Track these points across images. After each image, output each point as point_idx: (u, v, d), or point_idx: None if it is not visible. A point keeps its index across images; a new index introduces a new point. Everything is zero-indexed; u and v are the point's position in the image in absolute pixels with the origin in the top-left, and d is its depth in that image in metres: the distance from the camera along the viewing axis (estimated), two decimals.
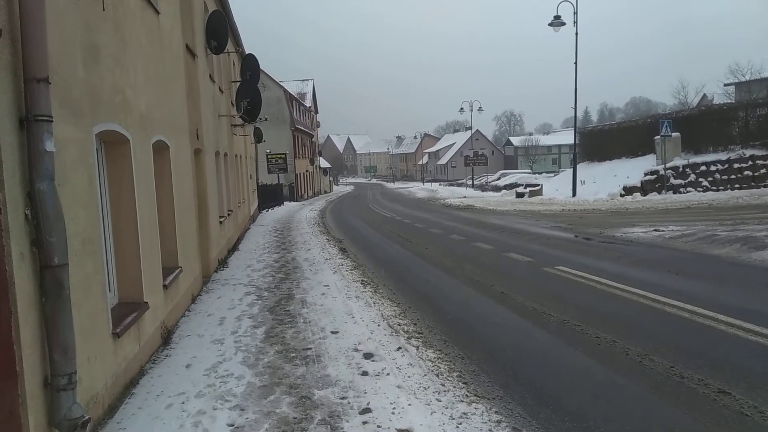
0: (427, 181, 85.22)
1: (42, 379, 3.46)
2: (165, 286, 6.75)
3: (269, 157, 38.71)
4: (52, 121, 3.49)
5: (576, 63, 27.52)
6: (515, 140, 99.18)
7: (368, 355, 5.87)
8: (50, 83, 3.47)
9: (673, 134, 24.83)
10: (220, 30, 12.47)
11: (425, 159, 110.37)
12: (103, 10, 4.87)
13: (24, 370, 3.22)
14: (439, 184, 71.64)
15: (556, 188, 32.58)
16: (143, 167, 6.07)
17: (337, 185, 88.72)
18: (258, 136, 26.27)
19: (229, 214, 14.41)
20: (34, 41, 3.37)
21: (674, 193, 24.33)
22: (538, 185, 35.51)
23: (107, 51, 4.97)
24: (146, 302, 5.76)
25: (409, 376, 5.26)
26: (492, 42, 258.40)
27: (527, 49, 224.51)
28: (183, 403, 4.82)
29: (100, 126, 4.75)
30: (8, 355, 3.13)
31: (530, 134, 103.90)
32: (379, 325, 7.00)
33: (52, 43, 3.59)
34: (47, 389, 3.49)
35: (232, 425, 4.36)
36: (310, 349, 6.18)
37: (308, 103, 60.79)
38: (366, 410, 4.55)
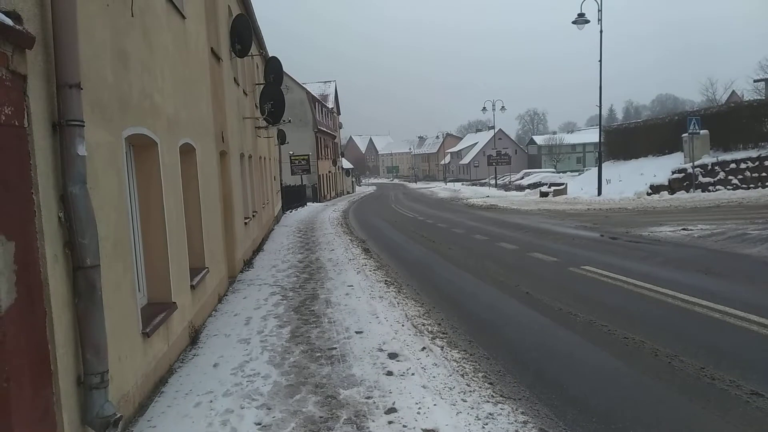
0: (449, 181, 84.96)
1: (75, 378, 3.54)
2: (192, 287, 6.86)
3: (292, 158, 39.00)
4: (84, 126, 3.57)
5: (600, 61, 27.18)
6: (539, 139, 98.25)
7: (393, 355, 5.88)
8: (82, 89, 3.55)
9: (702, 131, 24.37)
10: (244, 33, 12.60)
11: (447, 159, 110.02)
12: (132, 16, 4.97)
13: (58, 369, 3.30)
14: (462, 184, 71.34)
15: (580, 187, 32.18)
16: (171, 170, 6.17)
17: (360, 186, 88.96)
18: (281, 138, 26.46)
19: (253, 215, 14.55)
20: (66, 48, 3.45)
21: (703, 191, 23.87)
22: (563, 184, 35.13)
23: (136, 56, 5.06)
24: (174, 302, 5.85)
25: (434, 376, 5.25)
26: (515, 37, 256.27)
27: (550, 44, 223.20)
28: (211, 401, 4.89)
29: (129, 130, 4.85)
30: (43, 354, 3.21)
31: (554, 133, 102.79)
32: (403, 325, 7.00)
33: (83, 50, 3.67)
34: (80, 388, 3.57)
35: (260, 424, 4.41)
36: (335, 348, 6.22)
37: (330, 104, 61.07)
38: (391, 410, 4.56)
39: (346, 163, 74.13)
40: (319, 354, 6.06)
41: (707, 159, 24.58)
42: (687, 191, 24.19)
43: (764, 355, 5.36)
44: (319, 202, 44.56)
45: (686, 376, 4.98)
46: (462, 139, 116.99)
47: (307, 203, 38.72)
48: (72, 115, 3.48)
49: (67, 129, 3.46)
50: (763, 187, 23.03)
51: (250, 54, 13.74)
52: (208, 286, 7.99)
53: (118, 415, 3.69)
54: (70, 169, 3.47)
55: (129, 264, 4.70)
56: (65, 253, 3.49)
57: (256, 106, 16.70)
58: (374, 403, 4.72)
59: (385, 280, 10.07)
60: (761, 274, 8.83)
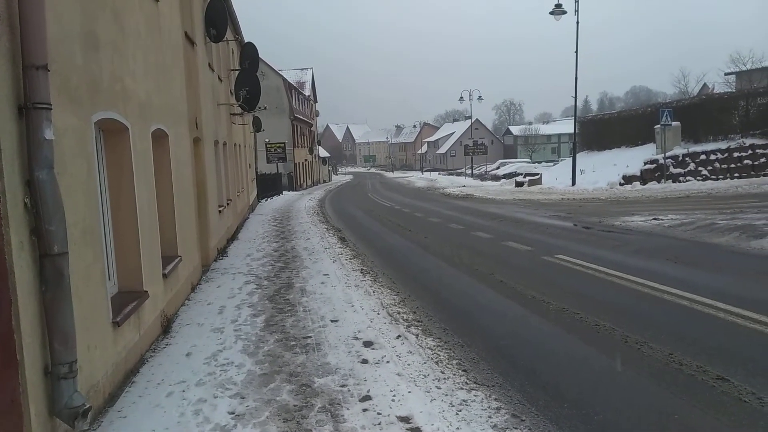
0: (426, 171, 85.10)
1: (42, 367, 3.46)
2: (165, 275, 6.76)
3: (268, 146, 38.61)
4: (51, 109, 3.47)
5: (576, 52, 27.43)
6: (515, 129, 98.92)
7: (368, 343, 5.89)
8: (49, 71, 3.45)
9: (673, 123, 24.80)
10: (219, 18, 12.39)
11: (424, 148, 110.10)
12: None
13: (24, 359, 3.22)
14: (439, 174, 71.57)
15: (555, 177, 32.56)
16: (142, 156, 6.06)
17: (336, 174, 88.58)
18: (257, 125, 26.18)
19: (228, 204, 14.39)
20: (32, 28, 3.34)
21: (674, 182, 24.33)
22: (538, 174, 35.52)
23: (106, 39, 4.93)
24: (146, 291, 5.76)
25: (408, 364, 5.28)
26: (493, 41, 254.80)
27: (529, 49, 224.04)
28: (183, 391, 4.84)
29: (99, 114, 4.73)
30: (9, 343, 3.13)
31: (530, 123, 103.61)
32: (378, 314, 7.02)
33: (51, 30, 3.56)
34: (48, 378, 3.50)
35: (233, 413, 4.38)
36: (310, 337, 6.20)
37: (307, 92, 60.52)
38: (366, 398, 4.57)
39: (322, 152, 73.70)
40: (293, 343, 6.04)
41: (678, 150, 25.04)
42: (658, 182, 24.62)
43: (730, 341, 5.50)
44: (295, 190, 44.26)
45: (655, 362, 5.09)
46: (439, 128, 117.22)
47: (283, 192, 38.42)
48: (39, 98, 3.38)
49: (34, 112, 3.37)
50: (732, 178, 23.58)
51: (225, 39, 13.52)
52: (181, 275, 7.89)
53: (88, 406, 3.63)
54: (37, 154, 3.38)
55: (99, 252, 4.60)
56: (31, 239, 3.40)
57: (231, 92, 16.47)
58: (349, 391, 4.72)
59: (361, 269, 10.07)
60: (728, 263, 9.05)
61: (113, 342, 4.78)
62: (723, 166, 24.06)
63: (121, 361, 4.96)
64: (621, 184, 25.54)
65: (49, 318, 3.50)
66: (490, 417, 4.18)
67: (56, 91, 3.68)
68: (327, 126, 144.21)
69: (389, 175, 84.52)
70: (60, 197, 3.52)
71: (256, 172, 30.08)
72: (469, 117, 64.14)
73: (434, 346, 5.83)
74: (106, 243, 5.16)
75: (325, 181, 67.16)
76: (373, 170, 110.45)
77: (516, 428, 4.01)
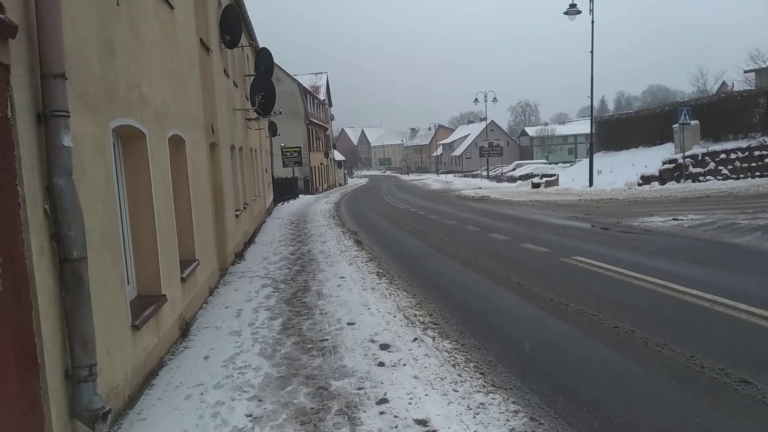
0: (441, 173, 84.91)
1: (63, 371, 3.51)
2: (183, 279, 6.82)
3: (284, 150, 38.85)
4: (69, 117, 3.52)
5: (592, 52, 27.17)
6: (530, 130, 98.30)
7: (384, 346, 5.88)
8: (67, 79, 3.50)
9: (692, 122, 24.42)
10: (234, 24, 12.49)
11: (439, 150, 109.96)
12: (117, 5, 4.90)
13: (45, 363, 3.27)
14: (454, 176, 71.34)
15: (572, 178, 32.28)
16: (160, 162, 6.12)
17: (352, 178, 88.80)
18: (272, 130, 26.35)
19: (245, 208, 14.49)
20: (50, 37, 3.39)
21: (693, 181, 23.96)
22: (554, 175, 35.24)
23: (122, 46, 5.00)
24: (164, 295, 5.82)
25: (425, 367, 5.26)
26: (507, 41, 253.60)
27: (543, 50, 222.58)
28: (202, 394, 4.87)
29: (117, 121, 4.79)
30: (30, 347, 3.18)
31: (546, 124, 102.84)
32: (395, 317, 7.00)
33: (68, 39, 3.62)
34: (68, 381, 3.55)
35: (251, 416, 4.40)
36: (327, 340, 6.21)
37: (322, 96, 60.79)
38: (383, 401, 4.56)
39: (338, 155, 73.90)
40: (310, 345, 6.05)
41: (697, 149, 24.67)
42: (677, 181, 24.28)
43: (753, 343, 5.40)
44: (311, 194, 44.43)
45: (676, 365, 5.01)
46: (454, 130, 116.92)
47: (299, 195, 38.58)
48: (57, 106, 3.43)
49: (52, 120, 3.42)
50: (753, 177, 23.14)
51: (240, 45, 13.63)
52: (199, 279, 7.95)
53: (107, 408, 3.67)
54: (56, 161, 3.43)
55: (117, 256, 4.66)
56: (51, 245, 3.45)
57: (246, 97, 16.59)
58: (366, 393, 4.72)
59: (377, 272, 10.06)
60: (750, 264, 8.89)
61: (132, 345, 4.83)
62: (744, 165, 23.62)
63: (141, 364, 5.01)
64: (639, 185, 25.22)
65: (69, 322, 3.54)
66: (507, 420, 4.14)
67: (74, 99, 3.73)
68: (342, 130, 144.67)
69: (404, 177, 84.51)
70: (79, 203, 3.57)
71: (273, 177, 30.25)
72: (484, 118, 64.01)
73: (451, 348, 5.80)
74: (125, 248, 5.22)
75: (340, 185, 67.34)
76: (388, 173, 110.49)
77: None
